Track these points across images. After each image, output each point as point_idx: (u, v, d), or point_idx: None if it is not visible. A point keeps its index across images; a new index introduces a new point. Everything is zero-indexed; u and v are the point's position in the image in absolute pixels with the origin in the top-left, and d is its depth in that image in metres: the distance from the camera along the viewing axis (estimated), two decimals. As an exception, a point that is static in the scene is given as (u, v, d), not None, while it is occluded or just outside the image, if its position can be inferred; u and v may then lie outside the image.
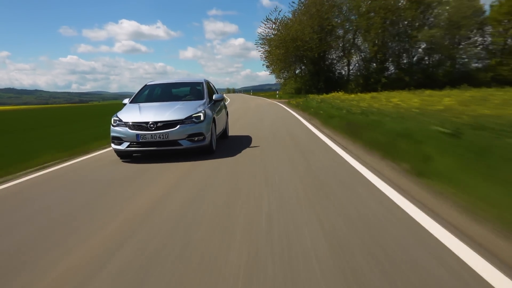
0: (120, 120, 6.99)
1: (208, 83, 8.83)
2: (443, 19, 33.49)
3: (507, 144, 4.98)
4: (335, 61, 41.22)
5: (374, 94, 26.59)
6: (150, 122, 6.50)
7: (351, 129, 8.05)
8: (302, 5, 38.51)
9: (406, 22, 34.84)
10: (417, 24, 34.89)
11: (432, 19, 34.83)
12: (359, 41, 38.06)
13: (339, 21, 38.36)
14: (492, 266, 2.34)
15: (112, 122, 7.14)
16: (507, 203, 3.21)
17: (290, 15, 40.54)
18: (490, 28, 33.41)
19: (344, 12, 38.60)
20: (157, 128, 6.51)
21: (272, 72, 43.14)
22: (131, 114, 7.11)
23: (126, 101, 8.09)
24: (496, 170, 4.04)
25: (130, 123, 6.63)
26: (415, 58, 36.25)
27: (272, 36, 39.82)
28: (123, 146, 6.78)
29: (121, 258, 2.61)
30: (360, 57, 38.91)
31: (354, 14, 37.29)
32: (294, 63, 42.06)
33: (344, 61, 40.46)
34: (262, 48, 40.57)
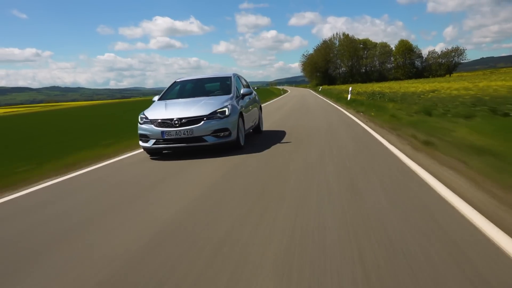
0: (146, 118, 7.03)
1: (237, 77, 8.77)
2: (375, 53, 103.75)
3: None
4: (331, 70, 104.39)
5: (348, 85, 52.46)
6: (175, 119, 6.57)
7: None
8: (317, 47, 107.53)
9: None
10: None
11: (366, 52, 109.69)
12: (340, 63, 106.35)
13: (332, 55, 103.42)
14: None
15: (139, 120, 7.18)
16: None
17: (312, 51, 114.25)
18: (392, 57, 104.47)
19: (335, 52, 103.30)
20: (182, 125, 6.55)
21: (305, 76, 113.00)
22: (157, 111, 7.17)
23: (155, 98, 8.14)
24: None
25: (156, 120, 6.68)
26: (363, 70, 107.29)
27: (305, 60, 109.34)
28: (149, 144, 6.86)
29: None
30: (342, 70, 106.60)
31: (337, 53, 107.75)
32: (315, 72, 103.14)
33: (335, 71, 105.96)
34: (301, 66, 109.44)
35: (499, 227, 2.75)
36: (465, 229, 2.79)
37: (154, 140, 6.74)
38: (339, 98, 22.80)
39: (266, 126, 10.36)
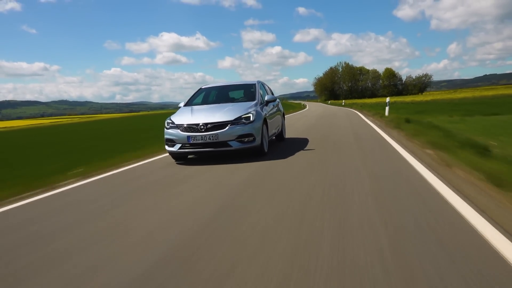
0: (173, 123, 6.77)
1: (262, 84, 8.40)
2: (368, 77, 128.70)
3: None
4: (336, 89, 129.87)
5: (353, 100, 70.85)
6: (201, 124, 6.43)
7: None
8: (325, 72, 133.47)
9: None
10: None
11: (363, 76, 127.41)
12: (342, 84, 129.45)
13: (336, 78, 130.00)
14: None
15: (166, 125, 6.86)
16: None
17: (322, 74, 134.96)
18: (381, 80, 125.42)
19: (339, 75, 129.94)
20: (207, 130, 6.39)
21: (316, 93, 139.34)
22: (183, 116, 6.90)
23: (181, 104, 7.87)
24: None
25: (182, 125, 6.58)
26: (359, 89, 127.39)
27: (316, 81, 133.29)
28: (175, 148, 6.62)
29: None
30: (344, 88, 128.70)
31: (340, 76, 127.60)
32: (324, 90, 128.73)
33: (339, 90, 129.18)
34: (314, 86, 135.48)
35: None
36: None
37: (180, 145, 6.57)
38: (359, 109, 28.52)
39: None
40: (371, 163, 5.44)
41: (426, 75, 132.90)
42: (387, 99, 19.24)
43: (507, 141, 7.19)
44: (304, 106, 49.91)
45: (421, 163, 5.09)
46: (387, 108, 18.50)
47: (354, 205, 3.46)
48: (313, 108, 41.03)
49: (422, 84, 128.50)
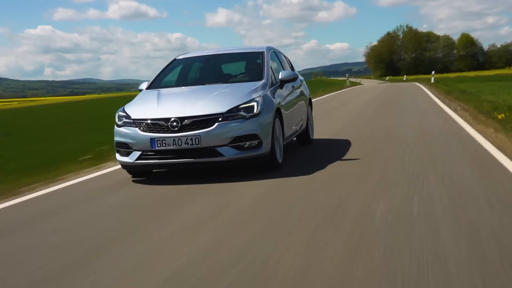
0: (127, 117, 6.29)
1: (274, 53, 8.04)
2: (438, 46, 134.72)
3: None
4: (395, 62, 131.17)
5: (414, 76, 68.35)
6: (172, 118, 6.06)
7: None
8: (381, 38, 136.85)
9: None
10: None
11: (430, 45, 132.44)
12: (404, 55, 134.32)
13: (395, 47, 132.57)
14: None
15: (116, 120, 6.38)
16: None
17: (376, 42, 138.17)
18: (455, 50, 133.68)
19: (399, 44, 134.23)
20: (183, 128, 6.06)
21: (369, 66, 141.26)
22: (144, 106, 6.57)
23: (143, 86, 7.58)
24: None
25: (143, 121, 6.22)
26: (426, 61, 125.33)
27: (369, 51, 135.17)
28: (131, 158, 6.22)
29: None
30: (406, 61, 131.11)
31: (401, 45, 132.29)
32: (379, 63, 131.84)
33: (400, 62, 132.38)
34: (366, 57, 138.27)
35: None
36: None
37: (140, 153, 6.18)
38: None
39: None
40: None
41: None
42: None
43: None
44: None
45: None
46: None
47: None
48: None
49: (510, 55, 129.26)
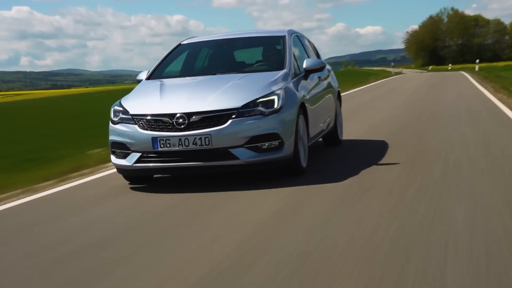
0: (125, 112, 6.27)
1: (297, 37, 8.07)
2: (488, 31, 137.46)
3: None
4: (439, 49, 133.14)
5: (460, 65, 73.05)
6: (178, 114, 6.03)
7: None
8: (422, 23, 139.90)
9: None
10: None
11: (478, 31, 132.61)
12: (449, 41, 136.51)
13: (439, 32, 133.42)
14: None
15: (112, 116, 6.37)
16: None
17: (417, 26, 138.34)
18: (506, 36, 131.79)
19: (443, 29, 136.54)
20: (190, 126, 6.02)
21: (409, 55, 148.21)
22: (144, 99, 6.56)
23: (142, 75, 7.57)
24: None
25: (143, 117, 6.20)
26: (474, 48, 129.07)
27: (409, 37, 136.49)
28: (129, 161, 6.17)
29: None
30: (451, 48, 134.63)
31: (446, 30, 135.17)
32: (420, 51, 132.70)
33: (444, 50, 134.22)
34: (405, 44, 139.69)
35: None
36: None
37: (139, 154, 6.13)
38: None
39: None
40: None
41: None
42: None
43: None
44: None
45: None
46: None
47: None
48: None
49: None
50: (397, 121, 10.57)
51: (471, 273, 3.20)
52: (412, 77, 38.08)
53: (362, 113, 12.78)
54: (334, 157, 8.03)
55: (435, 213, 4.37)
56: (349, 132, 9.09)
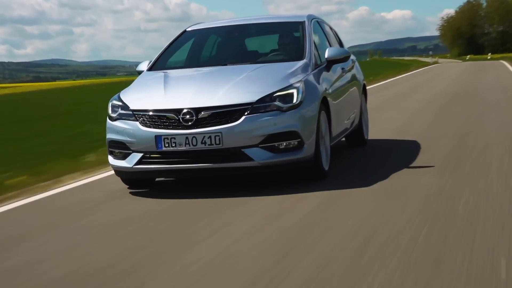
0: (124, 107, 6.21)
1: (317, 23, 8.03)
2: None
3: None
4: (477, 37, 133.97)
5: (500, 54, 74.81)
6: (185, 110, 5.97)
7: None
8: (459, 8, 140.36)
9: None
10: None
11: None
12: (489, 28, 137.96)
13: (478, 19, 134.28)
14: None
15: (109, 111, 6.34)
16: None
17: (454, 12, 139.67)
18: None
19: (482, 15, 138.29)
20: (198, 123, 5.96)
21: (444, 43, 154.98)
22: (146, 93, 6.54)
23: (143, 66, 7.51)
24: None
25: (145, 113, 6.16)
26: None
27: (444, 24, 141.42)
28: (129, 162, 6.12)
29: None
30: (491, 36, 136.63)
31: (485, 16, 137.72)
32: (457, 39, 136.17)
33: (483, 38, 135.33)
34: (440, 31, 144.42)
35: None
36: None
37: (141, 155, 6.10)
38: None
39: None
40: None
41: None
42: None
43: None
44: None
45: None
46: None
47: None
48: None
49: None
50: (452, 91, 17.53)
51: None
52: (452, 66, 47.33)
53: (423, 88, 20.75)
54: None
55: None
56: (424, 96, 16.60)
